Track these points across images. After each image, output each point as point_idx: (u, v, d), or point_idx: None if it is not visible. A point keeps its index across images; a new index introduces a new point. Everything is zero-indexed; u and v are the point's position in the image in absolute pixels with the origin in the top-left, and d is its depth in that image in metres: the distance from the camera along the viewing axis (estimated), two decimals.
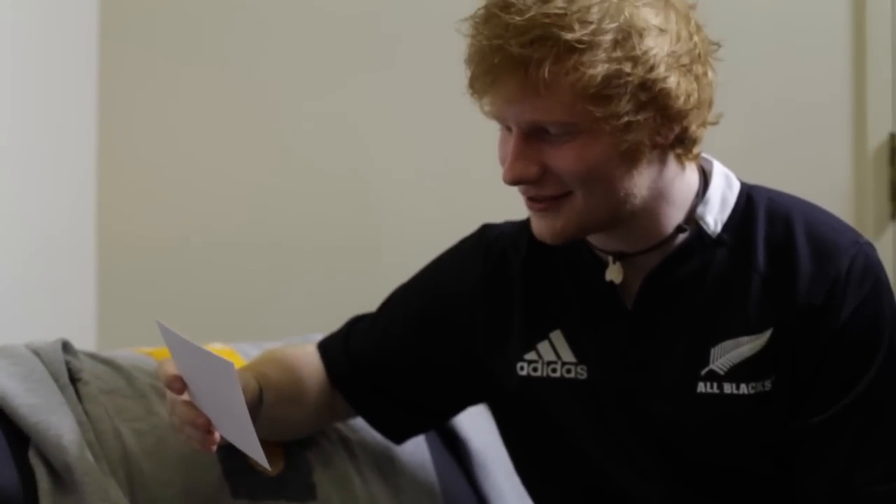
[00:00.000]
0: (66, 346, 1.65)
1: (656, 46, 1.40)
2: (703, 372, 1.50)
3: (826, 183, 2.37)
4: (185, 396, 1.46)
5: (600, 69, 1.37)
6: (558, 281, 1.59)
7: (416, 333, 1.68)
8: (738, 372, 1.48)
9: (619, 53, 1.38)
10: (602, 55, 1.37)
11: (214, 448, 1.46)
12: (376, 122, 2.50)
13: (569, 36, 1.37)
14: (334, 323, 1.78)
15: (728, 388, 1.49)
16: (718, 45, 1.49)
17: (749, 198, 1.53)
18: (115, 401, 1.62)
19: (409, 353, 1.68)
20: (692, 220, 1.51)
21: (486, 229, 1.70)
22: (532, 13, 1.37)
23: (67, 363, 1.62)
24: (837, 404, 1.46)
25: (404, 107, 2.49)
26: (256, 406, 1.54)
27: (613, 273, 1.53)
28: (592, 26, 1.37)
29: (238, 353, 1.81)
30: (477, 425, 1.91)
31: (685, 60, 1.42)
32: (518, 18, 1.37)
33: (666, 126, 1.43)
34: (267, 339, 1.89)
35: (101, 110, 2.51)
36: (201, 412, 1.45)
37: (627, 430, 1.54)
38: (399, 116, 2.50)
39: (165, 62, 2.54)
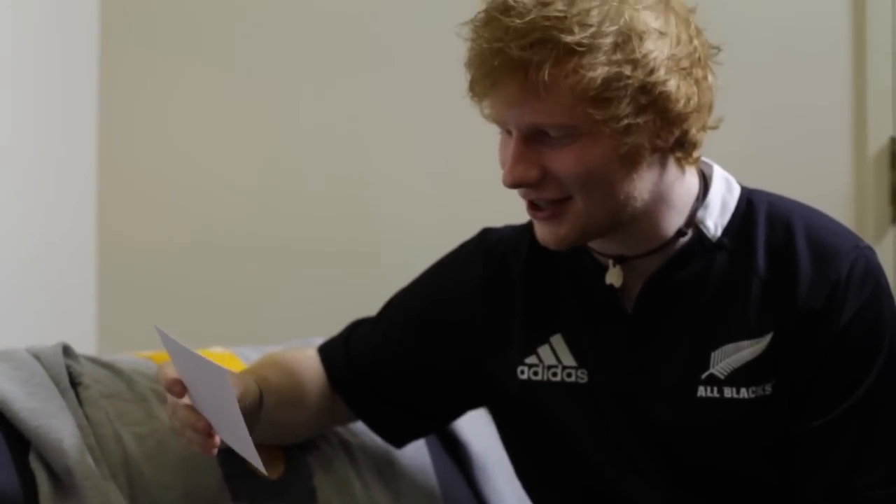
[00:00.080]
0: (66, 350, 1.65)
1: (656, 49, 1.40)
2: (704, 376, 1.50)
3: (826, 187, 2.37)
4: (186, 400, 1.46)
5: (600, 72, 1.37)
6: (559, 285, 1.59)
7: (417, 337, 1.68)
8: (739, 376, 1.49)
9: (618, 56, 1.38)
10: (602, 58, 1.38)
11: (215, 452, 1.46)
12: (377, 124, 2.50)
13: (569, 39, 1.37)
14: (335, 327, 1.78)
15: (728, 392, 1.49)
16: (718, 48, 1.49)
17: (749, 202, 1.53)
18: (115, 405, 1.62)
19: (410, 356, 1.68)
20: (692, 223, 1.51)
21: (486, 233, 1.70)
22: (532, 16, 1.37)
23: (68, 367, 1.62)
24: (838, 408, 1.46)
25: (405, 110, 2.49)
26: (256, 409, 1.54)
27: (613, 277, 1.53)
28: (592, 29, 1.37)
29: (238, 357, 1.81)
30: (477, 429, 1.91)
31: (685, 64, 1.43)
32: (518, 21, 1.38)
33: (666, 129, 1.43)
34: (267, 343, 1.89)
35: (101, 114, 2.51)
36: (202, 416, 1.45)
37: (628, 434, 1.54)
38: (400, 119, 2.50)
39: (166, 65, 2.54)
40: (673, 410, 1.51)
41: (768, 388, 1.48)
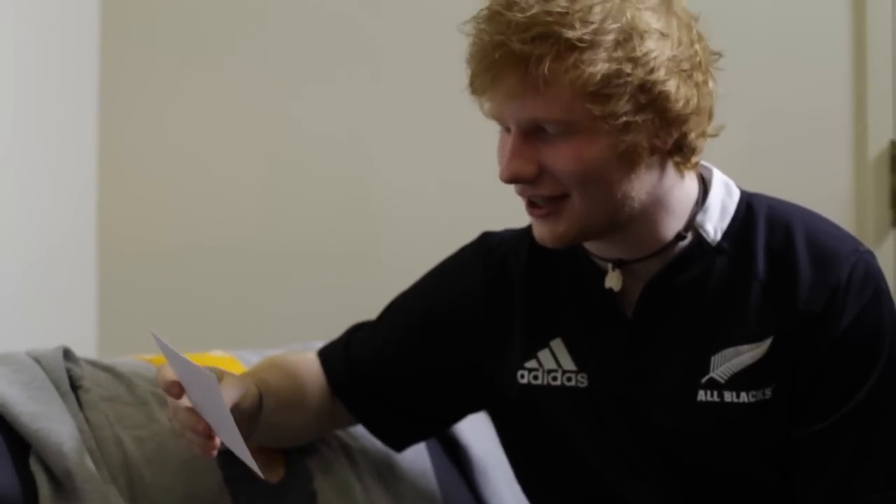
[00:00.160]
0: (67, 354, 1.65)
1: (657, 49, 1.40)
2: (704, 380, 1.50)
3: (827, 190, 2.37)
4: (186, 402, 1.47)
5: (600, 68, 1.38)
6: (559, 289, 1.59)
7: (417, 340, 1.68)
8: (739, 380, 1.49)
9: (619, 53, 1.39)
10: (603, 54, 1.38)
11: (215, 453, 1.47)
12: (378, 127, 2.51)
13: (570, 34, 1.37)
14: (335, 330, 1.78)
15: (728, 396, 1.49)
16: (719, 55, 1.49)
17: (749, 206, 1.53)
18: (115, 408, 1.62)
19: (410, 360, 1.68)
20: (692, 228, 1.52)
21: (486, 236, 1.70)
22: (534, 11, 1.38)
23: (68, 370, 1.62)
24: (838, 412, 1.46)
25: (406, 113, 2.49)
26: (256, 412, 1.54)
27: (613, 280, 1.53)
28: (594, 26, 1.38)
29: (239, 361, 1.81)
30: (478, 432, 1.91)
31: (685, 66, 1.43)
32: (520, 16, 1.38)
33: (664, 130, 1.43)
34: (268, 347, 1.89)
35: (101, 117, 2.51)
36: (202, 418, 1.45)
37: (628, 438, 1.54)
38: (400, 122, 2.50)
39: (166, 67, 2.54)
40: (673, 414, 1.51)
41: (768, 392, 1.48)
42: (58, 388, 1.59)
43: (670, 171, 1.49)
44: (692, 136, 1.46)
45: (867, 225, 2.39)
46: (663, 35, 1.41)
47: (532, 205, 1.48)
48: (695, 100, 1.44)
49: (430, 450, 1.86)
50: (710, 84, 1.47)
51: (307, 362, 1.72)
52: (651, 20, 1.41)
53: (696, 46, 1.45)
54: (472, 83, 1.45)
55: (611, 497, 1.57)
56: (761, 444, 1.49)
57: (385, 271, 2.36)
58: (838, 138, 2.41)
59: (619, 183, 1.44)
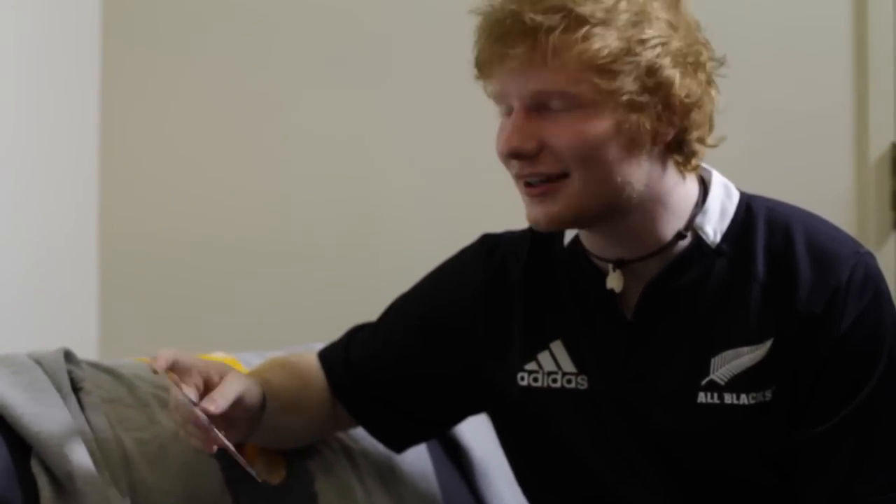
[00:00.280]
0: (68, 356, 1.65)
1: (665, 37, 1.43)
2: (704, 382, 1.50)
3: (828, 192, 2.37)
4: (191, 394, 1.46)
5: (610, 43, 1.40)
6: (558, 290, 1.59)
7: (417, 342, 1.68)
8: (739, 382, 1.49)
9: (629, 34, 1.41)
10: (613, 32, 1.41)
11: (215, 449, 1.46)
12: (380, 128, 2.51)
13: (582, 9, 1.40)
14: (337, 332, 1.78)
15: (728, 398, 1.49)
16: (721, 62, 1.50)
17: (748, 207, 1.53)
18: (116, 410, 1.62)
19: (410, 362, 1.68)
20: (691, 229, 1.52)
21: (486, 238, 1.70)
22: None
23: (69, 372, 1.62)
24: (838, 414, 1.46)
25: (408, 115, 2.49)
26: (259, 412, 1.55)
27: (613, 281, 1.53)
28: (607, 4, 1.41)
29: (240, 363, 1.81)
30: (479, 434, 1.91)
31: (690, 59, 1.45)
32: None
33: (667, 118, 1.44)
34: (269, 349, 1.89)
35: (103, 118, 2.51)
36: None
37: (628, 440, 1.54)
38: (403, 124, 2.50)
39: (168, 67, 2.54)
40: (673, 416, 1.51)
41: (768, 394, 1.48)
42: (59, 390, 1.58)
43: (671, 170, 1.49)
44: (693, 134, 1.47)
45: (868, 227, 2.39)
46: (672, 26, 1.44)
47: (528, 185, 1.47)
48: (698, 94, 1.45)
49: (431, 451, 1.86)
50: (713, 92, 1.49)
51: (310, 364, 1.73)
52: (661, 11, 1.44)
53: (701, 48, 1.47)
54: (478, 58, 1.47)
55: (611, 499, 1.57)
56: (762, 445, 1.49)
57: (386, 273, 2.36)
58: (839, 140, 2.41)
59: (619, 165, 1.44)
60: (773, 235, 1.51)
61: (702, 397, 1.50)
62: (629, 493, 1.55)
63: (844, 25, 2.41)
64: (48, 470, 1.50)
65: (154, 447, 1.60)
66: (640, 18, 1.42)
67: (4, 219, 2.15)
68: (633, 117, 1.42)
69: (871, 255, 1.51)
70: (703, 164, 1.55)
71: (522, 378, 1.60)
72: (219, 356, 1.81)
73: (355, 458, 1.77)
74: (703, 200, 1.53)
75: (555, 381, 1.58)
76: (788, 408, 1.48)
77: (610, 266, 1.54)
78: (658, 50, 1.42)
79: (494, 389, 1.64)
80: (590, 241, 1.55)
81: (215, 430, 1.42)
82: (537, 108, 1.44)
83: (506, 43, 1.42)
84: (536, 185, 1.46)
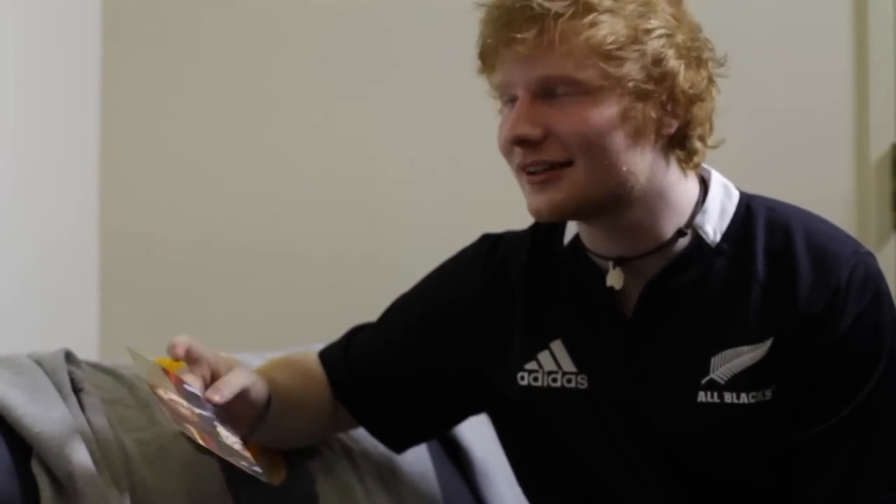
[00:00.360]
0: (68, 356, 1.65)
1: (671, 29, 1.44)
2: (704, 381, 1.50)
3: (828, 193, 2.37)
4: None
5: (617, 30, 1.42)
6: (558, 290, 1.60)
7: (417, 342, 1.68)
8: (739, 381, 1.49)
9: (636, 22, 1.43)
10: (620, 20, 1.42)
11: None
12: (381, 128, 2.51)
13: None
14: (338, 332, 1.78)
15: (728, 397, 1.49)
16: (722, 62, 1.51)
17: (748, 207, 1.54)
18: (117, 410, 1.62)
19: (410, 362, 1.68)
20: (691, 228, 1.52)
21: (486, 238, 1.70)
22: None
23: (70, 373, 1.62)
24: (838, 414, 1.46)
25: (409, 115, 2.49)
26: (263, 409, 1.55)
27: (614, 278, 1.53)
28: None
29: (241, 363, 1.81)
30: (479, 434, 1.91)
31: (694, 55, 1.46)
32: None
33: (671, 109, 1.45)
34: (269, 349, 1.90)
35: (103, 118, 2.51)
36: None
37: (628, 440, 1.54)
38: (404, 124, 2.50)
39: (169, 67, 2.54)
40: (673, 416, 1.51)
41: (768, 394, 1.48)
42: (60, 390, 1.59)
43: (673, 166, 1.50)
44: (695, 130, 1.47)
45: (869, 228, 2.39)
46: (676, 19, 1.46)
47: (531, 171, 1.47)
48: (701, 87, 1.46)
49: (432, 452, 1.86)
50: (714, 92, 1.50)
51: (312, 363, 1.73)
52: (666, 5, 1.46)
53: (703, 46, 1.48)
54: (483, 46, 1.48)
55: (611, 499, 1.57)
56: (762, 445, 1.49)
57: (386, 273, 2.36)
58: (840, 141, 2.41)
59: (623, 154, 1.44)
60: (773, 235, 1.51)
61: (702, 396, 1.50)
62: (629, 492, 1.55)
63: (845, 25, 2.41)
64: (49, 470, 1.50)
65: (154, 448, 1.60)
66: (647, 10, 1.43)
67: (5, 219, 2.15)
68: (639, 105, 1.43)
69: (871, 255, 1.51)
70: (704, 165, 1.55)
71: (522, 378, 1.60)
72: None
73: (356, 458, 1.77)
74: (703, 200, 1.53)
75: (555, 380, 1.58)
76: (788, 407, 1.48)
77: (610, 264, 1.54)
78: (663, 41, 1.43)
79: (495, 389, 1.64)
80: (590, 238, 1.55)
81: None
82: (543, 94, 1.44)
83: (513, 28, 1.43)
84: (539, 172, 1.46)
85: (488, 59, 1.47)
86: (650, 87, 1.43)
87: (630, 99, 1.43)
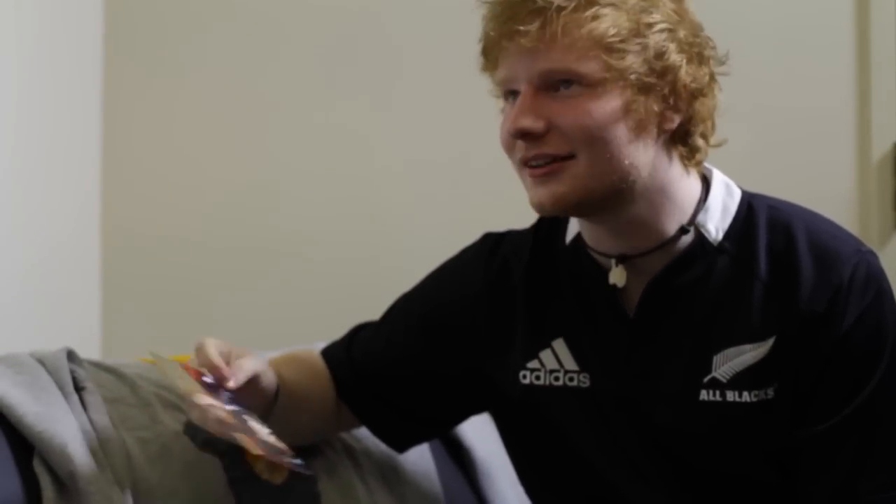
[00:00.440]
0: (70, 355, 1.65)
1: (673, 25, 1.45)
2: (706, 380, 1.50)
3: (830, 192, 2.37)
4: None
5: (619, 23, 1.42)
6: (560, 289, 1.59)
7: (419, 341, 1.68)
8: (741, 380, 1.48)
9: (638, 16, 1.43)
10: (622, 14, 1.43)
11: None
12: (382, 129, 2.51)
13: None
14: (340, 331, 1.78)
15: (731, 395, 1.49)
16: (724, 60, 1.51)
17: (750, 206, 1.54)
18: (119, 409, 1.62)
19: (412, 361, 1.68)
20: (693, 226, 1.52)
21: (488, 237, 1.70)
22: None
23: (72, 372, 1.62)
24: (840, 413, 1.46)
25: (409, 115, 2.50)
26: (272, 400, 1.56)
27: (616, 276, 1.53)
28: None
29: None
30: (481, 434, 1.91)
31: (696, 51, 1.47)
32: None
33: (673, 103, 1.45)
34: (270, 349, 1.89)
35: (105, 117, 2.51)
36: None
37: (630, 438, 1.54)
38: (406, 124, 2.50)
39: (170, 66, 2.54)
40: (675, 414, 1.51)
41: (770, 392, 1.48)
42: (61, 389, 1.59)
43: (676, 162, 1.50)
44: (697, 126, 1.48)
45: (871, 227, 2.39)
46: (679, 16, 1.46)
47: (533, 165, 1.47)
48: (703, 81, 1.47)
49: (434, 451, 1.86)
50: (715, 89, 1.50)
51: (317, 361, 1.73)
52: (668, 2, 1.46)
53: (705, 44, 1.49)
54: (486, 39, 1.48)
55: (613, 497, 1.57)
56: (764, 443, 1.49)
57: (388, 273, 2.36)
58: (842, 140, 2.42)
59: (626, 147, 1.44)
60: (775, 234, 1.51)
61: (704, 395, 1.50)
62: (631, 490, 1.55)
63: (847, 24, 2.41)
64: (50, 469, 1.50)
65: (156, 447, 1.60)
66: (649, 4, 1.44)
67: (7, 218, 2.15)
68: (641, 99, 1.43)
69: (873, 254, 1.51)
70: (705, 164, 1.55)
71: (525, 376, 1.60)
72: None
73: (358, 457, 1.77)
74: (705, 198, 1.53)
75: (557, 379, 1.58)
76: (790, 406, 1.48)
77: (612, 262, 1.54)
78: (665, 35, 1.44)
79: (497, 388, 1.64)
80: (592, 236, 1.55)
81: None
82: (545, 88, 1.44)
83: (517, 21, 1.43)
84: (541, 166, 1.46)
85: (491, 53, 1.48)
86: (652, 80, 1.43)
87: (632, 92, 1.43)
